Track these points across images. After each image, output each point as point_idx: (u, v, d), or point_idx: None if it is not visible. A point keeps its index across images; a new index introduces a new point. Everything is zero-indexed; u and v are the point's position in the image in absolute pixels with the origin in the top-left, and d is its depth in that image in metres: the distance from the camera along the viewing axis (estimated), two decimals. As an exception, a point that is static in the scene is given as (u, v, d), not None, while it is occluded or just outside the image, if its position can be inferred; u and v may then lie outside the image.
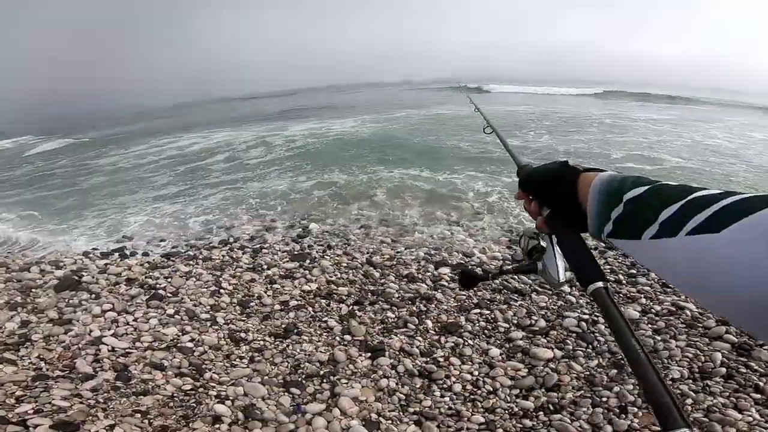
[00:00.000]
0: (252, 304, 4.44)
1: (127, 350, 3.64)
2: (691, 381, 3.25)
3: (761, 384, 3.12)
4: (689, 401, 3.05)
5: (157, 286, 4.72)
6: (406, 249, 5.75)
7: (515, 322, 4.00)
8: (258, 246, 6.03)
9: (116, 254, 6.04)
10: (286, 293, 4.62)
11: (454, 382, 3.35)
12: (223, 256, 5.64)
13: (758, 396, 3.05)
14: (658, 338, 3.70)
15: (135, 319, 4.10)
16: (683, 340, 3.68)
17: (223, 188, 9.98)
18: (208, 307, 4.35)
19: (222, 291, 4.66)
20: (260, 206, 8.36)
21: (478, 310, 4.23)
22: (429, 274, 5.01)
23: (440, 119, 20.50)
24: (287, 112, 29.32)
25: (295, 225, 7.11)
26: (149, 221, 7.80)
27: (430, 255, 5.57)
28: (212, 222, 7.55)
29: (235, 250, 5.89)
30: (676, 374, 3.28)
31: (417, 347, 3.74)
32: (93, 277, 4.87)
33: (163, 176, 11.69)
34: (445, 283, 4.79)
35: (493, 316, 4.15)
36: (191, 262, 5.42)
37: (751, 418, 2.84)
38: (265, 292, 4.64)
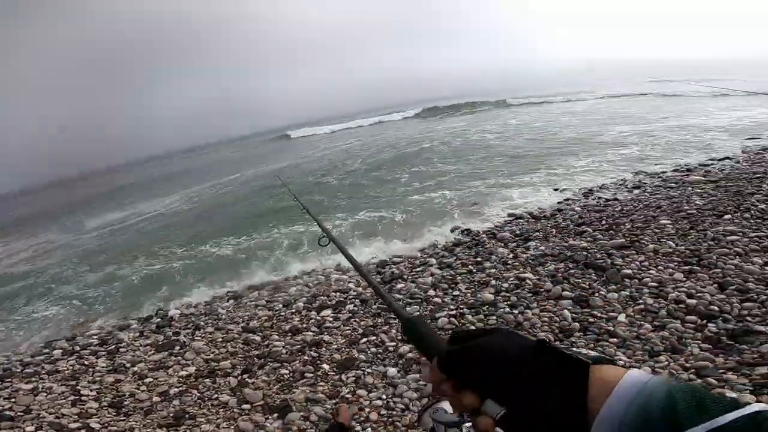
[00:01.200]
0: (126, 402, 4.11)
1: None
2: (559, 343, 3.50)
3: (611, 328, 3.46)
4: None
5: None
6: (284, 306, 5.62)
7: (400, 337, 4.07)
8: (113, 347, 5.39)
9: None
10: (162, 383, 4.37)
11: (369, 413, 3.46)
12: (72, 365, 5.05)
13: (615, 340, 3.47)
14: (516, 311, 3.96)
15: None
16: (536, 307, 3.99)
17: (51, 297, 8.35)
18: (76, 417, 3.94)
19: (84, 398, 4.24)
20: (103, 307, 7.32)
21: (365, 339, 4.49)
22: (312, 320, 5.13)
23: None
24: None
25: (151, 316, 6.45)
26: None
27: (310, 303, 5.62)
28: (48, 335, 6.48)
29: (86, 356, 5.25)
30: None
31: (322, 392, 3.83)
32: None
33: None
34: (330, 325, 4.94)
35: (380, 339, 4.48)
36: (33, 379, 4.80)
37: (621, 362, 3.19)
38: (138, 388, 4.33)
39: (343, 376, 3.94)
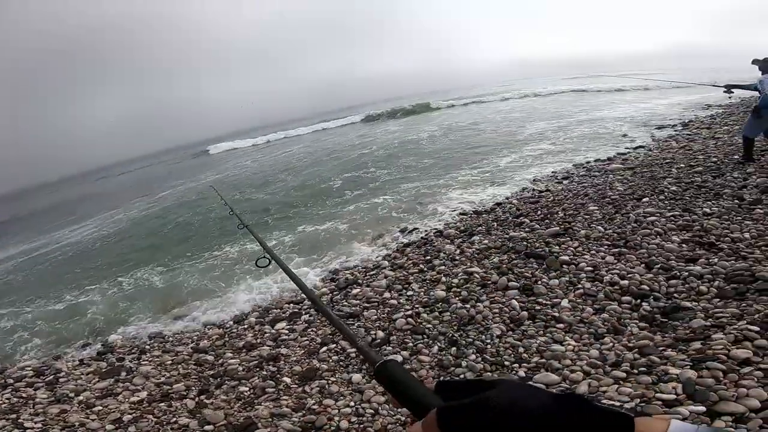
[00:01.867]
0: None
1: None
2: (511, 333, 3.53)
3: (557, 314, 3.52)
4: (521, 350, 3.28)
5: None
6: (235, 322, 5.44)
7: (359, 344, 3.82)
8: (52, 377, 4.94)
9: None
10: (113, 410, 4.04)
11: (339, 421, 3.37)
12: (8, 399, 4.58)
13: (562, 326, 3.53)
14: (468, 306, 3.96)
15: None
16: (486, 300, 4.04)
17: None
18: None
19: (29, 431, 3.86)
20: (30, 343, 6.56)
21: (325, 347, 4.36)
22: (267, 334, 4.97)
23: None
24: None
25: (89, 344, 5.93)
26: None
27: (263, 317, 5.45)
28: None
29: (22, 389, 4.76)
30: (497, 331, 3.59)
31: (287, 406, 3.66)
32: None
33: None
34: (286, 337, 4.79)
35: (339, 347, 4.39)
36: None
37: (571, 346, 3.25)
38: (87, 417, 3.98)
39: (307, 388, 3.83)
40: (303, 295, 5.73)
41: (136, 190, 24.21)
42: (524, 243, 5.36)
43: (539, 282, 4.44)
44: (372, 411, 3.41)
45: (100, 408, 4.11)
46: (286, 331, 4.91)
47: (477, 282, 4.75)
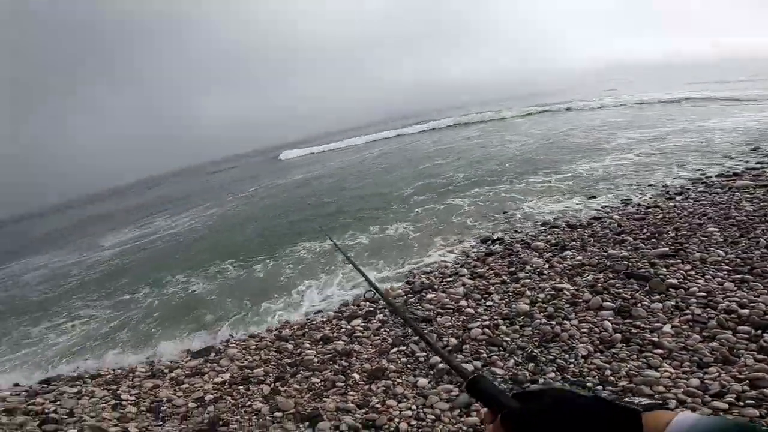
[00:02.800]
0: (163, 408, 4.17)
1: None
2: (599, 354, 3.35)
3: (656, 339, 3.25)
4: (608, 372, 3.07)
5: (46, 410, 4.25)
6: (316, 313, 5.76)
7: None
8: (152, 352, 5.67)
9: None
10: (198, 389, 4.42)
11: (399, 423, 3.38)
12: (113, 370, 5.23)
13: (660, 351, 3.33)
14: (553, 323, 3.80)
15: None
16: (574, 318, 3.81)
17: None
18: (115, 420, 4.01)
19: (124, 402, 4.33)
20: (148, 313, 7.54)
21: (395, 349, 4.47)
22: (343, 330, 5.12)
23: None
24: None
25: (190, 322, 6.63)
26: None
27: (341, 312, 5.66)
28: (90, 337, 6.74)
29: (126, 360, 5.53)
30: (583, 351, 3.40)
31: (352, 402, 3.76)
32: None
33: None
34: (360, 334, 4.91)
35: (410, 349, 4.40)
36: (77, 382, 4.97)
37: (668, 373, 2.98)
38: (174, 394, 4.39)
39: (373, 386, 3.88)
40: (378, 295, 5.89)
41: (223, 191, 26.06)
42: (625, 262, 4.94)
43: (639, 304, 4.04)
44: (433, 417, 3.33)
45: (187, 386, 4.50)
46: (361, 329, 5.00)
47: (566, 299, 4.46)
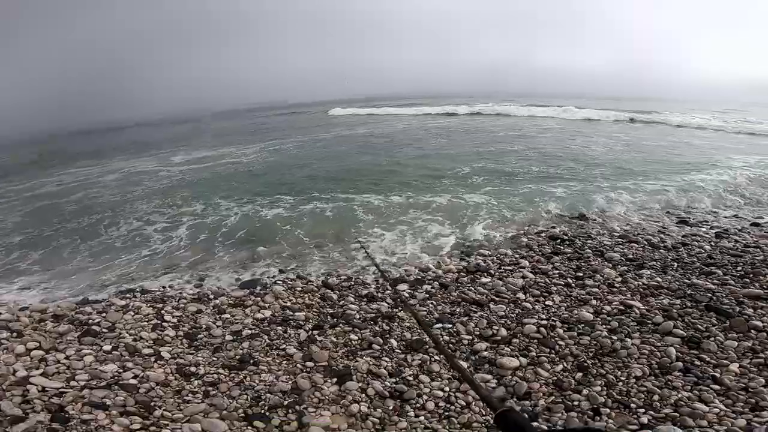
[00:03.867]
0: (200, 336, 4.35)
1: (60, 390, 3.40)
2: (653, 378, 3.30)
3: (718, 375, 3.16)
4: (656, 398, 3.05)
5: (90, 321, 4.52)
6: (362, 268, 5.85)
7: (477, 333, 4.22)
8: (204, 273, 5.94)
9: (37, 290, 5.76)
10: (237, 322, 4.57)
11: (426, 401, 3.39)
12: (164, 287, 5.51)
13: (717, 387, 3.30)
14: (614, 338, 3.71)
15: (67, 357, 3.86)
16: (637, 338, 3.72)
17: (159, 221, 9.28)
18: (151, 342, 4.21)
19: (165, 324, 4.53)
20: (206, 235, 7.97)
21: (439, 325, 4.42)
22: (388, 292, 5.15)
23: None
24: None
25: (243, 250, 6.93)
26: (87, 256, 7.22)
27: (388, 272, 5.71)
28: (151, 253, 7.22)
29: (177, 279, 5.80)
30: (638, 372, 3.35)
31: (384, 368, 3.79)
32: (13, 314, 4.61)
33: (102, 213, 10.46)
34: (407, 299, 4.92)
35: (455, 329, 4.34)
36: (128, 296, 5.27)
37: (717, 410, 2.91)
38: (214, 323, 4.56)
39: (409, 357, 3.88)
40: (431, 264, 5.88)
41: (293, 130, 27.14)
42: (709, 294, 4.61)
43: (712, 338, 3.83)
44: (464, 403, 3.30)
45: (228, 316, 4.66)
46: (407, 295, 5.01)
47: (634, 317, 4.26)
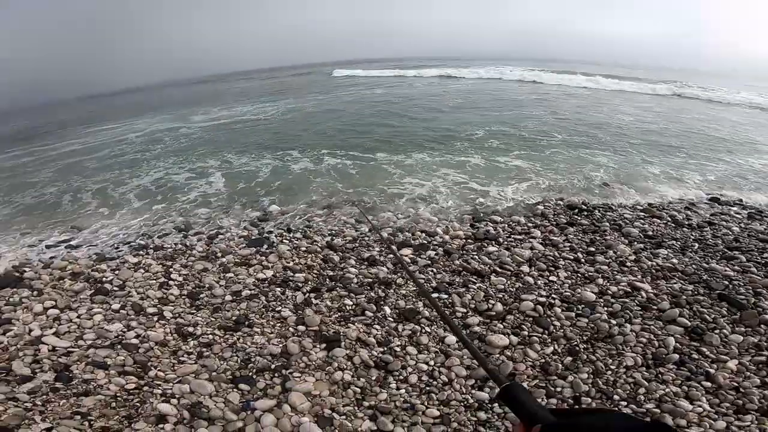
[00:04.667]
0: (202, 295, 4.44)
1: (68, 349, 3.59)
2: (644, 369, 3.30)
3: (712, 371, 3.07)
4: (641, 390, 2.98)
5: (103, 279, 4.69)
6: (369, 231, 5.81)
7: (473, 306, 4.17)
8: (214, 231, 6.03)
9: (62, 246, 5.89)
10: (239, 282, 4.65)
11: (410, 373, 3.40)
12: (175, 244, 5.63)
13: (709, 384, 3.22)
14: (614, 322, 3.59)
15: (78, 316, 4.04)
16: (638, 324, 3.64)
17: (175, 172, 9.70)
18: (156, 301, 4.34)
19: (171, 282, 4.66)
20: (217, 191, 8.17)
21: (436, 294, 4.38)
22: (391, 256, 5.09)
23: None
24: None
25: (254, 207, 7.07)
26: (99, 211, 7.45)
27: (393, 235, 5.69)
28: (166, 208, 7.39)
29: (189, 236, 5.89)
30: (629, 361, 3.26)
31: (374, 336, 3.80)
32: (36, 273, 4.83)
33: (116, 168, 10.67)
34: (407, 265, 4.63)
35: (451, 300, 4.26)
36: (141, 252, 5.40)
37: (701, 409, 2.85)
38: (217, 282, 4.65)
39: (400, 327, 3.87)
40: (438, 228, 5.79)
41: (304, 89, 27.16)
42: (725, 282, 4.39)
43: (717, 331, 3.66)
44: (446, 379, 3.29)
45: (232, 275, 4.74)
46: (408, 260, 4.95)
47: (639, 301, 4.09)
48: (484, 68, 34.47)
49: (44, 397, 3.08)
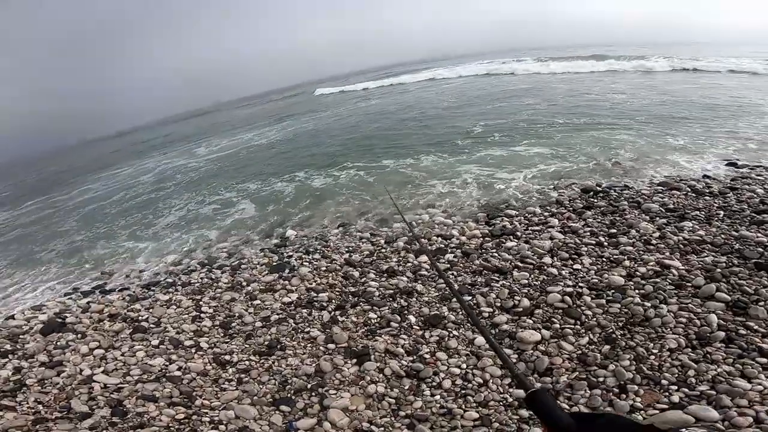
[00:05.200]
0: (233, 324, 4.53)
1: (118, 385, 3.77)
2: (690, 350, 3.09)
3: (766, 346, 2.82)
4: (691, 372, 2.78)
5: (139, 318, 4.86)
6: (386, 242, 5.82)
7: (498, 304, 4.13)
8: (236, 262, 6.11)
9: (97, 292, 6.13)
10: (266, 308, 4.72)
11: (443, 379, 3.36)
12: (201, 278, 5.74)
13: (764, 360, 3.01)
14: (648, 305, 3.42)
15: (122, 354, 4.22)
16: (674, 304, 3.42)
17: (190, 209, 10.03)
18: (191, 333, 4.47)
19: (203, 315, 4.77)
20: (235, 221, 8.41)
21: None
22: (409, 264, 5.11)
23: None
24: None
25: (272, 235, 7.19)
26: (127, 255, 7.76)
27: (410, 244, 5.66)
28: (189, 245, 7.63)
29: (214, 270, 5.98)
30: (672, 344, 3.08)
31: (402, 346, 3.79)
32: (76, 317, 5.03)
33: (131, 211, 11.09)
34: (426, 273, 4.86)
35: (475, 301, 4.21)
36: (170, 290, 5.56)
37: (761, 387, 2.63)
38: (246, 310, 4.74)
39: (427, 334, 3.83)
40: (453, 231, 5.69)
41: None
42: (760, 249, 4.16)
43: (762, 303, 3.43)
44: (481, 381, 3.23)
45: (259, 302, 4.81)
46: (427, 266, 4.90)
47: (671, 280, 3.91)
48: (473, 64, 34.96)
49: (104, 431, 3.21)
